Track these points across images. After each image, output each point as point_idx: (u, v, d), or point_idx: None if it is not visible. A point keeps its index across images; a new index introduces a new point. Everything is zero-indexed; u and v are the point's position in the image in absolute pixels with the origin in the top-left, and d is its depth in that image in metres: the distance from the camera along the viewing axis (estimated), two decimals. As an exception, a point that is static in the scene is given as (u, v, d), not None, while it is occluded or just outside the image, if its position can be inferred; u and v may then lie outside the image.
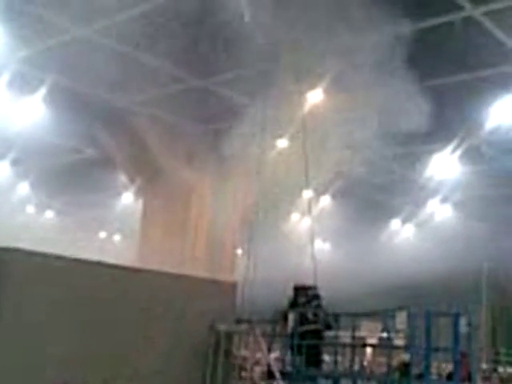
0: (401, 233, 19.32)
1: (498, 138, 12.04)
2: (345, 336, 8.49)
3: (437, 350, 6.89)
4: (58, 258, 6.04)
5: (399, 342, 7.45)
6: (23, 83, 10.91)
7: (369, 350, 10.51)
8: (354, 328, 8.10)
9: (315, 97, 10.24)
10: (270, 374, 7.05)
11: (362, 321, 9.48)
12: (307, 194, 14.67)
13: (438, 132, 12.00)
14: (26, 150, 14.30)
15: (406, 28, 8.41)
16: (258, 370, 7.81)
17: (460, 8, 7.94)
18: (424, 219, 17.92)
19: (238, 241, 12.68)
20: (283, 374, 7.01)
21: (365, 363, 10.65)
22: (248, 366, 7.47)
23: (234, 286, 7.69)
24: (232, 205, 12.59)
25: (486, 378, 14.08)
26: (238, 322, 7.17)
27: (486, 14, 8.05)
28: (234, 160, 11.84)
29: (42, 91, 11.12)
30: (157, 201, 12.61)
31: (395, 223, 19.18)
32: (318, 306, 8.40)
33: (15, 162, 16.03)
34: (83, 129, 12.93)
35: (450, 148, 12.82)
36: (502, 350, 17.31)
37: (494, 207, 16.51)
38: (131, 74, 10.30)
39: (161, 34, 8.91)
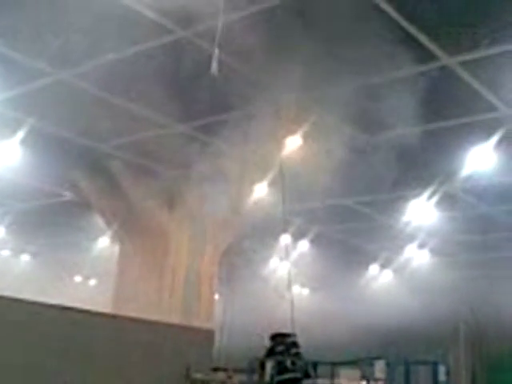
0: (379, 278, 19.32)
1: (473, 185, 12.19)
2: (324, 384, 8.39)
3: (416, 398, 6.83)
4: (30, 303, 5.93)
5: (378, 390, 7.38)
6: (1, 126, 10.86)
7: (348, 398, 10.38)
8: (333, 376, 8.02)
9: (293, 142, 10.32)
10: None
11: (340, 369, 9.40)
12: (285, 239, 14.68)
13: (415, 178, 12.14)
14: (1, 193, 14.18)
15: (381, 78, 8.56)
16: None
17: (436, 58, 8.09)
18: (402, 264, 17.96)
19: (215, 286, 12.57)
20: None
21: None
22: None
23: (210, 333, 7.61)
24: (210, 250, 12.51)
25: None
26: (215, 370, 7.06)
27: (461, 63, 8.21)
28: (212, 205, 11.82)
29: (20, 134, 11.06)
30: (133, 245, 12.49)
31: (373, 268, 19.19)
32: (297, 354, 8.30)
33: (-10, 206, 15.86)
34: (61, 172, 12.86)
35: (426, 194, 12.94)
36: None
37: (471, 252, 16.64)
38: (110, 118, 10.31)
39: (140, 79, 8.96)
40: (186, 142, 10.67)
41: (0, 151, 11.70)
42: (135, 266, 12.36)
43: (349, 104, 8.89)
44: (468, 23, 7.39)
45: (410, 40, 7.65)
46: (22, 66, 8.80)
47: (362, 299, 18.60)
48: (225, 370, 7.08)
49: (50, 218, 16.17)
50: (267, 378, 7.81)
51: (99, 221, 13.95)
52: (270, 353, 8.26)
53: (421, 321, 17.62)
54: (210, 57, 6.46)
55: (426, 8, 7.18)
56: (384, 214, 14.54)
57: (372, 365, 6.98)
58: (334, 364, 8.02)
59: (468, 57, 8.07)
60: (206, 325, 10.59)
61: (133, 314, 8.22)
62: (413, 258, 17.49)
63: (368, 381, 7.33)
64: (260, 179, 11.74)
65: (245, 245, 12.82)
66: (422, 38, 7.68)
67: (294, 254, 16.11)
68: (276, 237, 14.85)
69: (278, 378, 7.72)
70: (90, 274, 21.15)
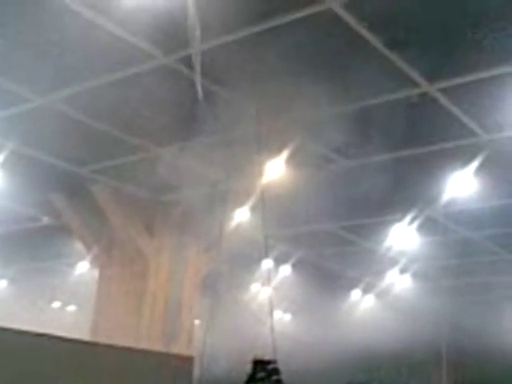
0: (361, 303, 19.26)
1: (454, 210, 12.26)
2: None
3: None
4: (4, 330, 5.79)
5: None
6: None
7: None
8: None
9: (275, 169, 10.32)
10: None
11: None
12: (267, 264, 14.62)
13: (397, 203, 12.20)
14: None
15: (362, 104, 8.62)
16: None
17: (416, 85, 8.16)
18: (384, 289, 17.94)
19: (196, 312, 12.45)
20: None
21: None
22: None
23: (190, 359, 7.49)
24: (191, 275, 12.42)
25: None
26: (195, 399, 6.94)
27: (441, 90, 8.29)
28: (193, 230, 11.76)
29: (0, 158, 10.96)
30: (113, 271, 12.36)
31: (355, 293, 19.13)
32: (278, 382, 8.20)
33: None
34: (40, 196, 12.75)
35: (408, 219, 12.98)
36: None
37: (453, 277, 16.67)
38: (91, 143, 10.26)
39: (122, 105, 8.94)
40: (167, 166, 10.63)
41: (-22, 175, 11.58)
42: (115, 291, 12.22)
43: (330, 129, 8.92)
44: (448, 51, 7.47)
45: (390, 67, 7.71)
46: (2, 90, 8.75)
47: (344, 324, 18.52)
48: (205, 398, 6.95)
49: (29, 243, 15.97)
50: (248, 405, 7.69)
51: (78, 246, 13.81)
52: (251, 379, 8.16)
53: (404, 345, 17.58)
54: (193, 82, 6.47)
55: (407, 35, 7.25)
56: (366, 238, 14.56)
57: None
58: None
59: (448, 84, 8.15)
60: (186, 351, 10.46)
61: (112, 341, 8.09)
62: (395, 283, 17.49)
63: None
64: (241, 204, 11.71)
65: (226, 270, 12.73)
66: (403, 65, 7.75)
67: (276, 279, 16.04)
68: (258, 262, 14.78)
69: (259, 406, 7.60)
70: (68, 299, 20.84)
